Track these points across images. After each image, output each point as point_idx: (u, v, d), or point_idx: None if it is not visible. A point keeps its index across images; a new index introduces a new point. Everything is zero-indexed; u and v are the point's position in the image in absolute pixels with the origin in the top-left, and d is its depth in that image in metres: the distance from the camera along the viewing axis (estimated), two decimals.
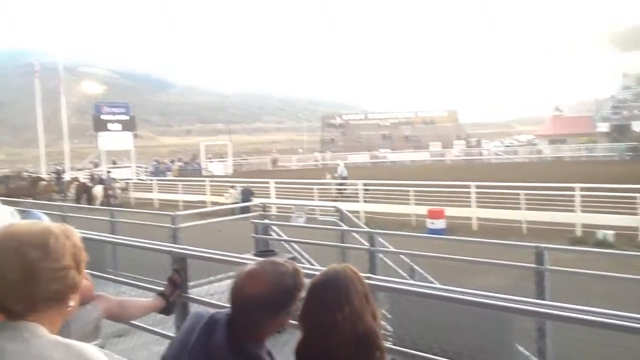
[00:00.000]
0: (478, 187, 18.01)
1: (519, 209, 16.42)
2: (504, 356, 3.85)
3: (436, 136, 65.50)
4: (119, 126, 39.17)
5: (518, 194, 16.59)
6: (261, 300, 1.73)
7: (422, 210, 17.14)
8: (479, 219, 17.08)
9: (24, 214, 3.27)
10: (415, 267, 7.08)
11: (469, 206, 17.52)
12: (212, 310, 1.93)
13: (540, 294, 4.97)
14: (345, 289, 1.69)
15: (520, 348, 4.52)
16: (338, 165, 30.19)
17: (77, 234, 1.50)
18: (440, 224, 16.08)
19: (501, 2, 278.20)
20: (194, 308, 3.69)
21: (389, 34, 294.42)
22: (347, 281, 1.71)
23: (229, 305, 1.83)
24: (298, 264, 1.93)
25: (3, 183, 32.61)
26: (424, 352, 3.33)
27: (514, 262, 5.59)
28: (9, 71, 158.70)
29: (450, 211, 16.68)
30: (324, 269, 1.87)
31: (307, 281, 1.80)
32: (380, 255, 6.80)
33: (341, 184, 25.28)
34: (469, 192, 17.73)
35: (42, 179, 33.18)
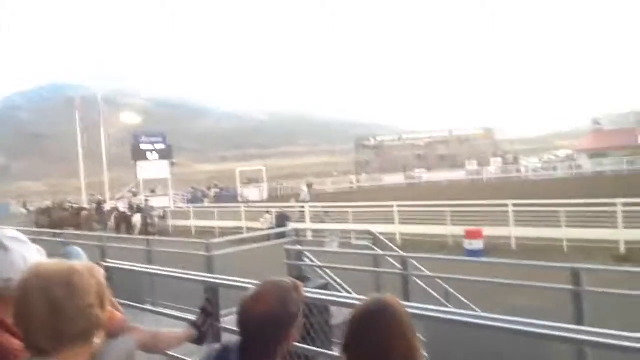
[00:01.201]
0: (516, 205, 17.67)
1: (559, 226, 16.03)
2: None
3: (472, 154, 64.76)
4: (156, 155, 39.97)
5: (558, 211, 16.20)
6: (270, 319, 1.75)
7: (460, 230, 16.88)
8: (517, 238, 16.72)
9: (64, 249, 3.37)
10: (451, 290, 6.97)
11: (507, 225, 17.19)
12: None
13: (579, 317, 4.82)
14: (399, 323, 1.65)
15: None
16: (302, 190, 33.62)
17: (101, 272, 1.54)
18: (478, 244, 15.79)
19: (533, 14, 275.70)
20: (226, 337, 3.70)
21: (421, 52, 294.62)
22: (400, 314, 1.67)
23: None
24: (331, 290, 1.93)
25: (46, 214, 33.69)
26: None
27: (550, 284, 5.45)
28: (52, 105, 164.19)
29: (488, 231, 16.38)
30: (356, 296, 1.85)
31: (345, 310, 1.79)
32: (415, 278, 6.71)
33: (303, 207, 26.02)
34: (506, 211, 17.42)
35: (84, 209, 34.05)
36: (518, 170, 57.04)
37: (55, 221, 30.14)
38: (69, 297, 1.40)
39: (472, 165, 60.05)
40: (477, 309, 5.95)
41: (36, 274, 1.44)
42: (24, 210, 43.71)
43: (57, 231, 16.85)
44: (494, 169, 58.10)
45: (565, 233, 15.79)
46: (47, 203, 41.24)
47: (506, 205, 17.62)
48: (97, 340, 1.49)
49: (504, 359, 3.80)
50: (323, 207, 25.29)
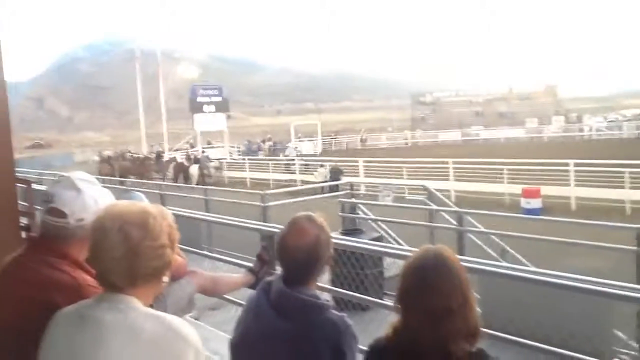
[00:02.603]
0: (577, 164, 17.12)
1: (622, 187, 15.46)
2: (600, 342, 3.66)
3: (533, 112, 62.48)
4: (213, 107, 40.46)
5: (622, 172, 15.60)
6: (313, 250, 1.92)
7: (517, 189, 16.53)
8: (578, 198, 16.25)
9: (126, 194, 3.48)
10: (507, 248, 6.86)
11: (568, 185, 16.70)
12: None
13: None
14: (457, 275, 1.62)
15: (619, 334, 4.29)
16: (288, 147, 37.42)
17: (171, 214, 1.59)
18: (535, 203, 15.46)
19: None
20: None
21: (480, 4, 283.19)
22: (453, 265, 1.64)
23: None
24: (386, 243, 1.96)
25: (108, 163, 34.93)
26: (513, 336, 3.25)
27: (612, 245, 5.29)
28: (113, 58, 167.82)
29: (547, 190, 15.97)
30: (409, 248, 1.85)
31: (399, 262, 1.80)
32: (470, 235, 6.65)
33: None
34: (567, 170, 16.90)
35: (144, 159, 35.06)
36: (581, 129, 54.65)
37: (116, 170, 31.30)
38: (144, 237, 1.46)
39: (532, 123, 58.00)
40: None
41: (113, 214, 1.50)
42: (97, 158, 44.95)
43: (120, 179, 17.48)
44: (555, 128, 55.94)
45: (628, 194, 15.23)
46: (109, 153, 42.60)
47: (567, 165, 17.10)
48: (166, 279, 1.55)
49: (559, 317, 3.75)
50: (378, 162, 25.18)
